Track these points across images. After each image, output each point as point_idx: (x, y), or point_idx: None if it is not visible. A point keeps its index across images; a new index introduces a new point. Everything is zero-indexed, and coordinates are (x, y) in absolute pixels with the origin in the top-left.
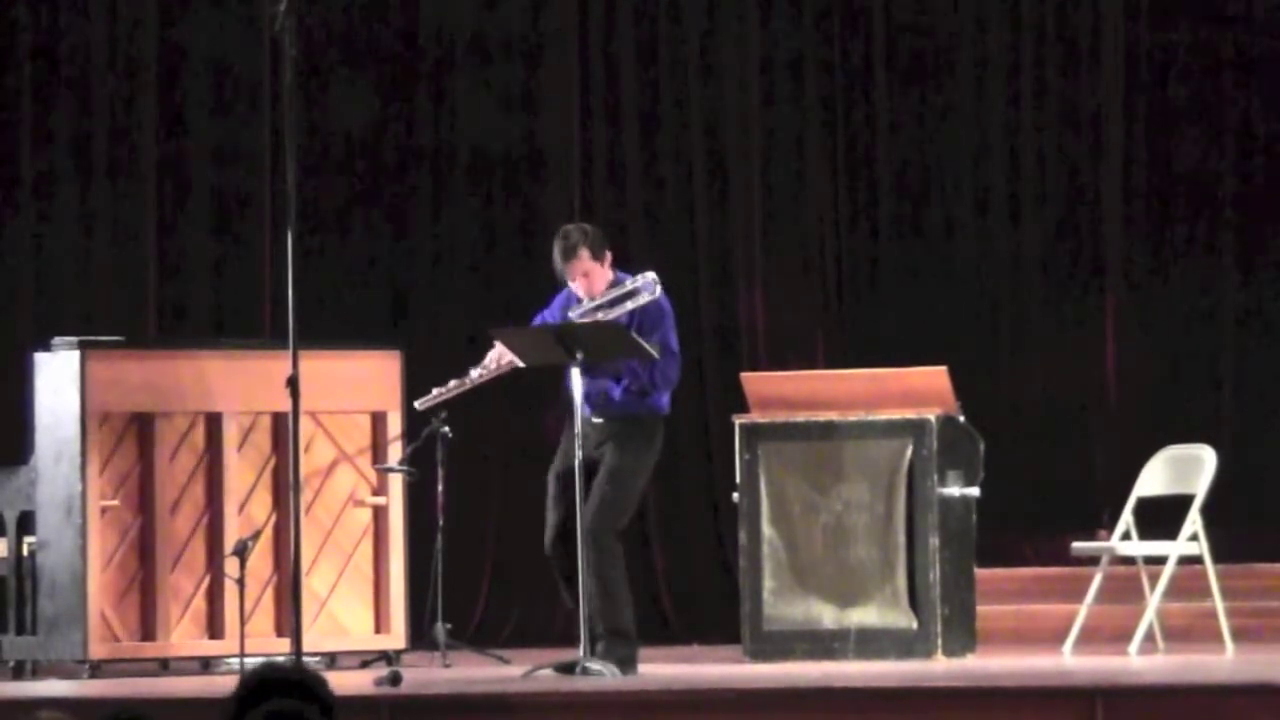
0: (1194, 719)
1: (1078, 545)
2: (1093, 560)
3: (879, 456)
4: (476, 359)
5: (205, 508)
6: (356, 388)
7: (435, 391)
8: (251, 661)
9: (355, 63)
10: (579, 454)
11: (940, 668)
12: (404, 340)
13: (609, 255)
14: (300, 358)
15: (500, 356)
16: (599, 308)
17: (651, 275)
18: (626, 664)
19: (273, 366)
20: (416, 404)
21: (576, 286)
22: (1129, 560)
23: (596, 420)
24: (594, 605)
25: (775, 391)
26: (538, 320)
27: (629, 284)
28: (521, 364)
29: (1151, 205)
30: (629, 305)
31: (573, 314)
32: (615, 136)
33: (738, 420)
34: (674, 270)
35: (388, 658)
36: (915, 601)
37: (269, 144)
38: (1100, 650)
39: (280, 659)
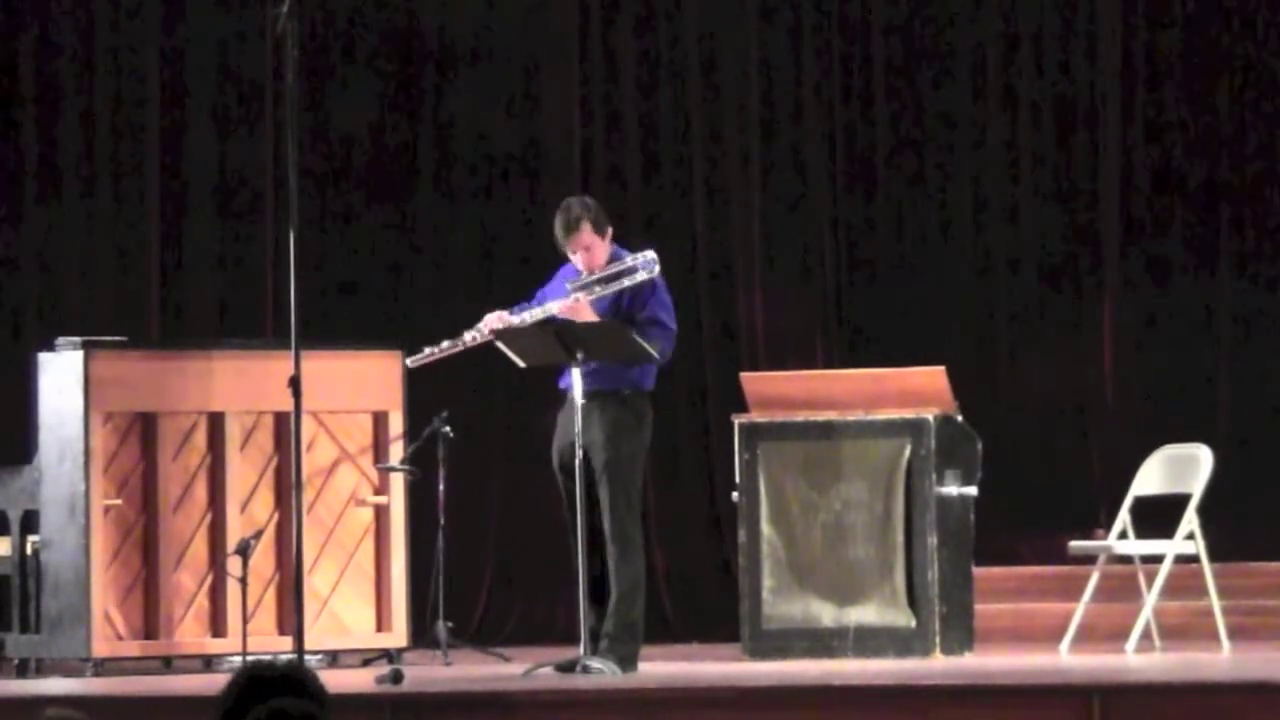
0: (1190, 717)
1: (1075, 544)
2: (1090, 559)
3: (877, 456)
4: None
5: (208, 507)
6: (358, 387)
7: (427, 350)
8: (254, 660)
9: (356, 63)
10: (579, 453)
11: (938, 666)
12: (404, 340)
13: (610, 231)
14: (302, 357)
15: (494, 322)
16: (597, 282)
17: (651, 254)
18: (628, 661)
19: (275, 366)
20: (409, 361)
21: (577, 259)
22: (1126, 559)
23: (580, 400)
24: (613, 602)
25: (774, 391)
26: (539, 295)
27: (628, 260)
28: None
29: (1150, 206)
30: (626, 282)
31: (570, 285)
32: (615, 137)
33: (737, 420)
34: (674, 270)
35: (389, 656)
36: (913, 600)
37: (271, 145)
38: (1097, 649)
39: (268, 658)
